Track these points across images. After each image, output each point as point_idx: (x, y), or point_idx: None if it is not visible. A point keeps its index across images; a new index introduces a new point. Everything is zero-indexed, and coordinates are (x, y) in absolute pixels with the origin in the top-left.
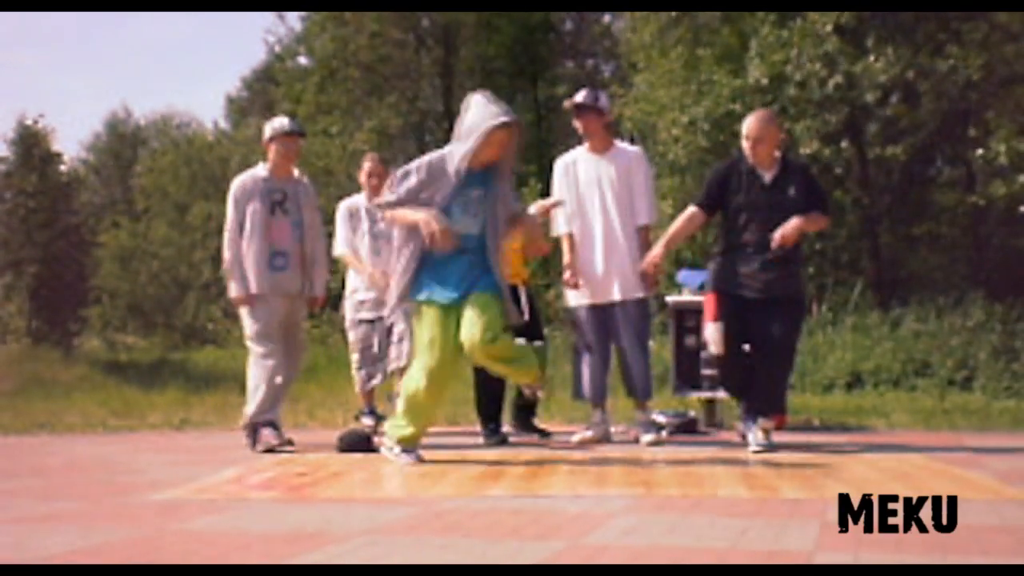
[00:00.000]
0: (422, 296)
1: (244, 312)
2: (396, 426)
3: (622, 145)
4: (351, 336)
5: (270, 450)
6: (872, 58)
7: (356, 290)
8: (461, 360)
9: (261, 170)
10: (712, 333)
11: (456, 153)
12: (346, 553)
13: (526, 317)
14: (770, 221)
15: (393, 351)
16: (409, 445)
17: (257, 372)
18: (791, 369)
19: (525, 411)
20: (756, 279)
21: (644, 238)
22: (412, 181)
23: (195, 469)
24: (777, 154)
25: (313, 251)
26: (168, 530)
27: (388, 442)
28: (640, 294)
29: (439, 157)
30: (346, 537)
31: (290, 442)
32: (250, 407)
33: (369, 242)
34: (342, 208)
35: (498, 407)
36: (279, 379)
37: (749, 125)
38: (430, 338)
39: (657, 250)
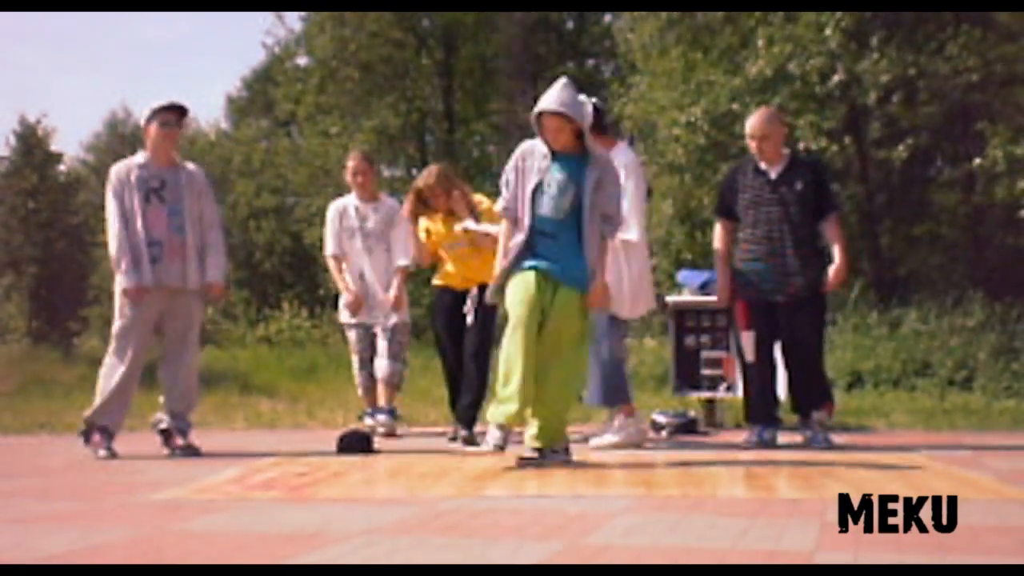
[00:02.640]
0: (517, 268)
1: (118, 305)
2: (496, 410)
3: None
4: (350, 336)
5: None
6: (876, 56)
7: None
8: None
9: (139, 157)
10: (746, 342)
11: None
12: (346, 553)
13: (470, 319)
14: (778, 215)
15: (387, 366)
16: (508, 426)
17: (109, 371)
18: (823, 359)
19: (469, 414)
20: (777, 281)
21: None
22: (512, 177)
23: (195, 469)
24: (786, 151)
25: (203, 240)
26: (168, 530)
27: (491, 431)
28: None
29: (530, 144)
30: (346, 537)
31: (114, 455)
32: (94, 405)
33: (360, 241)
34: (331, 209)
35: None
36: (128, 388)
37: (752, 124)
38: (520, 298)
39: (722, 277)
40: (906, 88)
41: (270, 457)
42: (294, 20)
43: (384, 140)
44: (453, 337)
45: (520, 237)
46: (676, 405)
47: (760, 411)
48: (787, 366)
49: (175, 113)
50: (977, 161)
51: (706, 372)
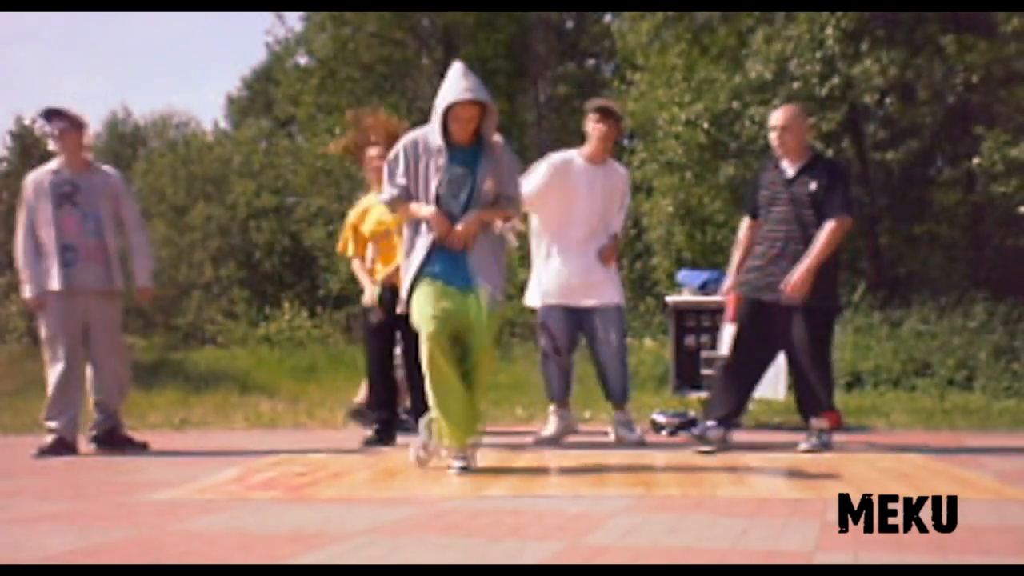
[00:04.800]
0: (421, 276)
1: (40, 315)
2: (438, 432)
3: (612, 162)
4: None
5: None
6: (869, 61)
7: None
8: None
9: (53, 164)
10: (726, 335)
11: (431, 130)
12: (346, 553)
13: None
14: (788, 215)
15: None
16: (456, 449)
17: (50, 377)
18: (825, 369)
19: (363, 414)
20: (768, 275)
21: (615, 244)
22: (400, 168)
23: (195, 469)
24: (809, 150)
25: (128, 243)
26: (168, 530)
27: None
28: (618, 300)
29: (421, 135)
30: (346, 537)
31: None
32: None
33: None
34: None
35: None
36: (70, 386)
37: (775, 114)
38: (429, 313)
39: (730, 278)
40: (904, 88)
41: (270, 457)
42: (294, 20)
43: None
44: (377, 338)
45: (423, 241)
46: (676, 405)
47: (719, 406)
48: (791, 370)
49: (64, 118)
50: (976, 160)
51: (706, 372)
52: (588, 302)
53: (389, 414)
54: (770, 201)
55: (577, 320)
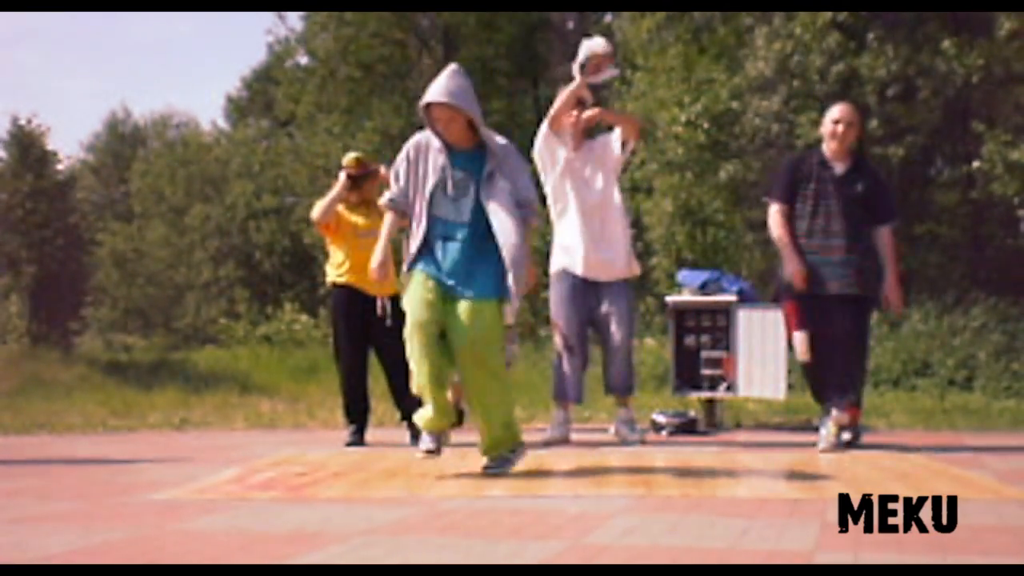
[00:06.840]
0: (416, 268)
1: None
2: (418, 415)
3: (595, 140)
4: None
5: None
6: (874, 52)
7: None
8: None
9: None
10: (799, 343)
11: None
12: (346, 553)
13: (388, 323)
14: (838, 212)
15: None
16: (429, 430)
17: None
18: (865, 364)
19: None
20: (828, 274)
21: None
22: (402, 169)
23: (195, 469)
24: (853, 152)
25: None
26: (168, 530)
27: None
28: (626, 275)
29: (424, 136)
30: (346, 537)
31: None
32: None
33: None
34: None
35: (364, 408)
36: None
37: (840, 109)
38: (416, 301)
39: (795, 260)
40: (905, 85)
41: (270, 457)
42: (295, 20)
43: (386, 140)
44: (356, 343)
45: (419, 237)
46: (676, 405)
47: (837, 393)
48: (823, 358)
49: None
50: (976, 164)
51: (706, 372)
52: (600, 277)
53: (364, 416)
54: (817, 195)
55: (588, 307)
